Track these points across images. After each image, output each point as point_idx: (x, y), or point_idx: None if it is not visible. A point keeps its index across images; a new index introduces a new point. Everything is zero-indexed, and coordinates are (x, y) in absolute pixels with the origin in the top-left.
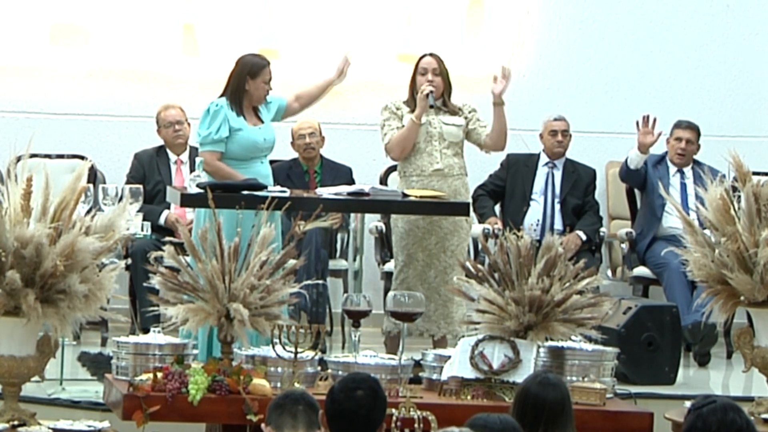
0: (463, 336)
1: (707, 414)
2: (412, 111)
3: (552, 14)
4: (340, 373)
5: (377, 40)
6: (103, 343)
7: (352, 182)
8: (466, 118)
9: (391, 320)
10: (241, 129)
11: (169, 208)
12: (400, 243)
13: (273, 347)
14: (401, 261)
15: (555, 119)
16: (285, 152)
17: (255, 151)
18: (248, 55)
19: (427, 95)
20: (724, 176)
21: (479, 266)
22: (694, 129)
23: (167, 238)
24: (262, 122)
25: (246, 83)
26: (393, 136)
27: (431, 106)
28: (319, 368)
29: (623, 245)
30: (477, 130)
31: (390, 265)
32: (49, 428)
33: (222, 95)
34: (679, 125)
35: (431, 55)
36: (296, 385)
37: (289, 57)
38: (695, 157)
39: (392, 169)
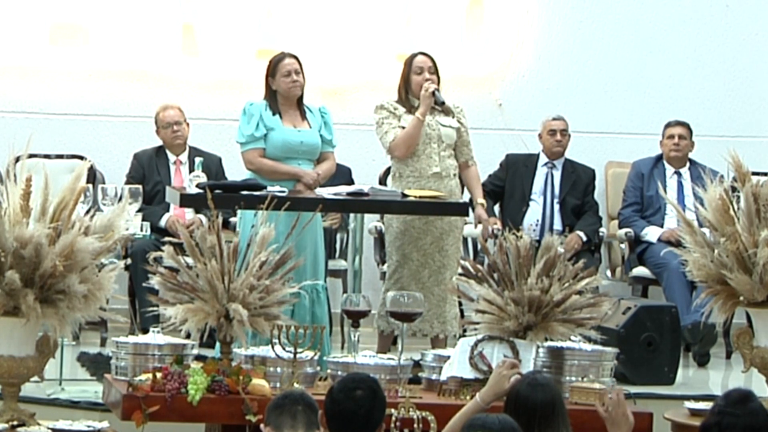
0: (461, 335)
1: (726, 427)
2: (408, 111)
3: (552, 14)
4: (339, 373)
5: (377, 40)
6: (103, 343)
7: (351, 182)
8: (459, 121)
9: (386, 319)
10: (273, 128)
11: (168, 209)
12: (395, 243)
13: (272, 347)
14: (395, 261)
15: (554, 119)
16: None
17: (288, 152)
18: (274, 56)
19: (433, 93)
20: (723, 177)
21: (478, 266)
22: (685, 126)
23: (167, 239)
24: (310, 126)
25: (271, 84)
26: (397, 134)
27: (442, 103)
28: (318, 368)
29: (622, 245)
30: (459, 148)
31: None
32: (48, 428)
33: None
34: (669, 125)
35: (424, 54)
36: (295, 385)
37: None
38: (692, 157)
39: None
